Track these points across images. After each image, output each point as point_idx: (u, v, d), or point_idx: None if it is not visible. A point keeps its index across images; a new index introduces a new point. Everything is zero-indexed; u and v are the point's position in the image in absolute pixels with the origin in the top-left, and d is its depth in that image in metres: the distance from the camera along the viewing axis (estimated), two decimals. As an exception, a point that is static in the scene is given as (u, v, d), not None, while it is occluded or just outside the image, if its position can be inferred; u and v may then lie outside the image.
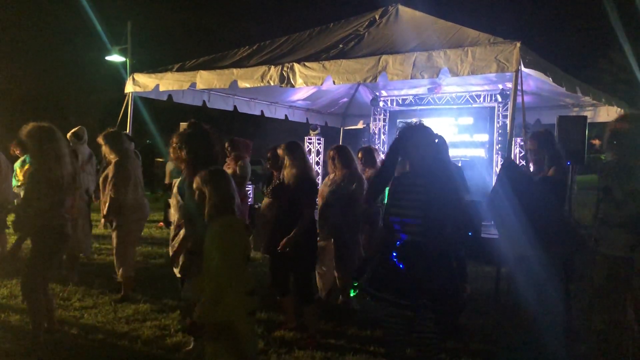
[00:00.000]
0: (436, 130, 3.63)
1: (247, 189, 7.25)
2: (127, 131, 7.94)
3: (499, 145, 10.29)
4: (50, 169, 4.16)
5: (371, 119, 12.21)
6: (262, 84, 7.15)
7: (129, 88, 8.50)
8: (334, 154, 5.46)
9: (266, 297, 4.93)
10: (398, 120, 12.09)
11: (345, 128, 13.32)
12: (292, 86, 7.01)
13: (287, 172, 4.60)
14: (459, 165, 8.70)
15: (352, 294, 5.54)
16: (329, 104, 12.31)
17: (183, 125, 9.65)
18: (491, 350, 4.36)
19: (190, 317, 3.18)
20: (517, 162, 10.31)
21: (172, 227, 4.30)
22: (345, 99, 12.36)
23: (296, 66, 6.82)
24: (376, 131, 12.13)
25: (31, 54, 28.16)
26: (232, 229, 3.01)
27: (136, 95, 8.62)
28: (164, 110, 12.55)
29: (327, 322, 4.90)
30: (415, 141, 3.34)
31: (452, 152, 9.73)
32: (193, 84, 7.84)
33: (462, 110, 10.92)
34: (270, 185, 6.01)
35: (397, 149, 3.43)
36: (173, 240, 4.18)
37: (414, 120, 3.50)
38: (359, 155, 6.26)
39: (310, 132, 12.79)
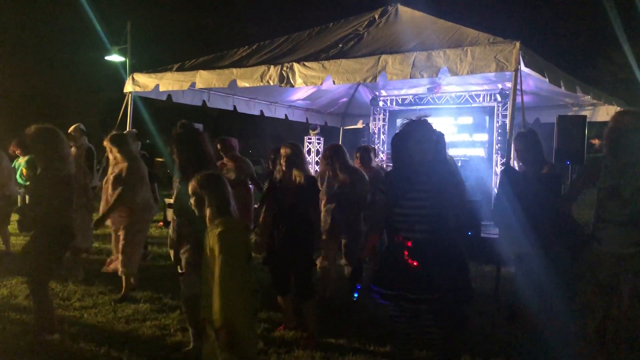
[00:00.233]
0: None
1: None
2: (129, 129, 7.94)
3: (499, 145, 10.30)
4: (57, 169, 4.29)
5: (371, 118, 12.21)
6: (261, 84, 7.15)
7: (129, 88, 8.51)
8: (331, 154, 5.50)
9: (266, 296, 4.93)
10: (397, 120, 12.12)
11: (345, 128, 13.33)
12: (292, 86, 7.01)
13: (291, 173, 4.62)
14: (459, 164, 8.72)
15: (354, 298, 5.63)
16: (328, 104, 12.32)
17: (182, 125, 9.65)
18: (492, 350, 4.36)
19: (193, 314, 3.20)
20: (517, 161, 10.33)
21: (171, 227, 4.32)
22: (344, 99, 12.36)
23: (296, 66, 6.82)
24: (376, 131, 12.13)
25: (31, 54, 28.14)
26: (234, 230, 3.01)
27: (136, 95, 8.63)
28: (163, 110, 12.56)
29: (327, 321, 4.90)
30: (416, 137, 3.34)
31: (452, 152, 9.75)
32: (193, 84, 7.84)
33: (461, 110, 10.93)
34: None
35: (399, 145, 3.43)
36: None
37: (416, 116, 3.47)
38: (357, 155, 6.31)
39: (310, 131, 12.80)
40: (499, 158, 10.21)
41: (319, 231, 4.90)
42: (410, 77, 6.29)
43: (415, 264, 3.19)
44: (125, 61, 18.99)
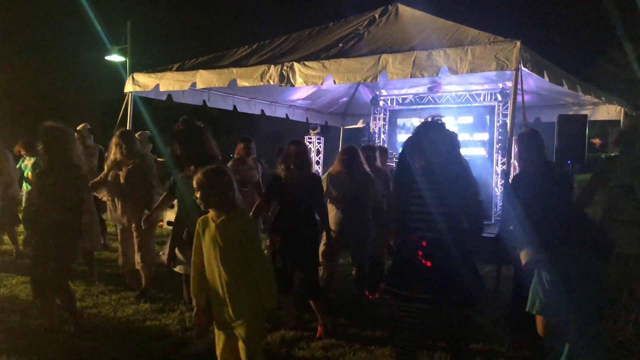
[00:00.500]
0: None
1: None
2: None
3: (499, 144, 10.30)
4: (75, 168, 4.37)
5: (371, 118, 12.21)
6: (261, 83, 7.14)
7: (129, 88, 8.49)
8: (347, 156, 5.50)
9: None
10: (398, 120, 12.12)
11: (345, 127, 13.32)
12: (292, 85, 6.99)
13: (296, 172, 4.62)
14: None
15: (373, 298, 5.65)
16: (328, 104, 12.31)
17: (183, 124, 9.64)
18: (493, 350, 4.36)
19: (204, 313, 3.25)
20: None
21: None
22: (345, 98, 12.36)
23: (296, 65, 6.81)
24: (376, 130, 12.13)
25: (31, 54, 28.18)
26: (253, 221, 3.22)
27: (136, 95, 8.62)
28: (163, 109, 12.54)
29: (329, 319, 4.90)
30: (430, 137, 3.33)
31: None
32: (193, 84, 7.83)
33: (462, 109, 10.92)
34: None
35: (413, 145, 3.41)
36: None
37: (430, 116, 3.45)
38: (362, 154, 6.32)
39: (310, 131, 12.80)
40: (499, 157, 10.21)
41: (328, 227, 4.96)
42: (411, 77, 6.28)
43: (428, 264, 3.19)
44: (126, 61, 19.00)
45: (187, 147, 4.10)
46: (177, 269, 4.33)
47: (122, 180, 5.56)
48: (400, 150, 3.64)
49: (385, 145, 10.88)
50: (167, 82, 8.07)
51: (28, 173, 7.62)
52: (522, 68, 5.73)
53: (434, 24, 7.20)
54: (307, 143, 12.56)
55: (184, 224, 4.11)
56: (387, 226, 4.03)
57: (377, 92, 11.93)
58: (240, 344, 3.09)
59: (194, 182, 3.11)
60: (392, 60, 6.24)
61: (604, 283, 2.35)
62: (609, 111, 10.04)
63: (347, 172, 5.47)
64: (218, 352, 3.20)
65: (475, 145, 10.92)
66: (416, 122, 11.87)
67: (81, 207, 4.41)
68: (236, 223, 3.04)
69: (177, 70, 8.08)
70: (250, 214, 4.71)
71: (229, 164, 6.56)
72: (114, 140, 5.68)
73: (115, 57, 19.07)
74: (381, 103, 12.01)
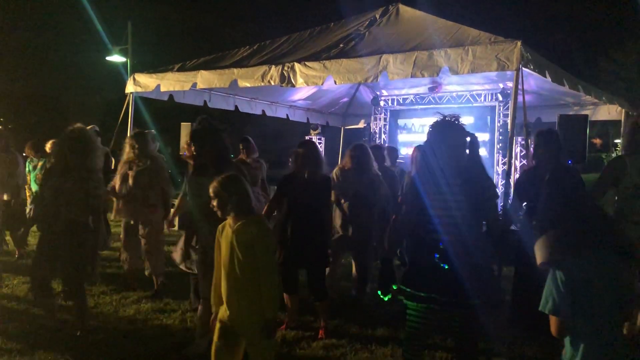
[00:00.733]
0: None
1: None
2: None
3: (500, 144, 10.29)
4: (98, 171, 4.50)
5: (372, 118, 12.22)
6: (262, 84, 7.14)
7: (130, 88, 8.50)
8: (357, 154, 5.49)
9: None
10: (398, 120, 12.11)
11: (346, 127, 13.32)
12: (293, 86, 7.00)
13: (308, 171, 4.62)
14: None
15: (386, 298, 5.65)
16: (329, 104, 12.31)
17: (184, 125, 9.71)
18: (493, 350, 4.36)
19: (207, 314, 3.27)
20: (518, 161, 10.32)
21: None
22: (345, 99, 12.35)
23: (297, 66, 6.81)
24: (377, 130, 12.13)
25: (32, 55, 28.22)
26: (269, 229, 3.17)
27: (137, 96, 8.62)
28: (164, 110, 12.57)
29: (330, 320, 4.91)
30: (450, 141, 3.31)
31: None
32: (194, 84, 7.83)
33: (462, 110, 10.88)
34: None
35: (431, 148, 3.39)
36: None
37: (447, 116, 3.42)
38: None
39: (311, 131, 12.80)
40: (500, 157, 10.21)
41: (329, 230, 4.95)
42: (412, 77, 6.28)
43: (445, 266, 3.19)
44: (126, 61, 19.01)
45: (202, 147, 4.06)
46: (186, 268, 4.34)
47: (130, 181, 5.57)
48: (416, 151, 3.63)
49: (386, 145, 10.86)
50: (168, 83, 8.08)
51: (37, 175, 7.64)
52: (523, 68, 5.73)
53: (435, 24, 7.20)
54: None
55: (196, 226, 4.11)
56: (394, 227, 4.02)
57: (378, 92, 11.94)
58: (250, 351, 3.11)
59: (210, 190, 3.13)
60: (393, 61, 6.25)
61: (625, 284, 2.29)
62: (609, 111, 10.03)
63: (356, 169, 5.47)
64: (213, 352, 3.18)
65: (476, 146, 10.89)
66: (417, 122, 11.89)
67: (100, 210, 4.49)
68: (252, 230, 3.05)
69: (178, 70, 8.09)
70: (263, 212, 4.72)
71: None
72: (127, 140, 5.71)
73: (116, 58, 19.08)
74: (382, 103, 12.02)
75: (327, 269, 5.25)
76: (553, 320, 2.29)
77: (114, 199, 5.80)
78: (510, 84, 9.10)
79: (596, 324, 2.22)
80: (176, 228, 9.36)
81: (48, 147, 8.66)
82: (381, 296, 5.72)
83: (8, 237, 7.83)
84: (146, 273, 5.80)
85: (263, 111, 11.17)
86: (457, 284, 3.14)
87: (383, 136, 12.13)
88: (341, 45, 7.24)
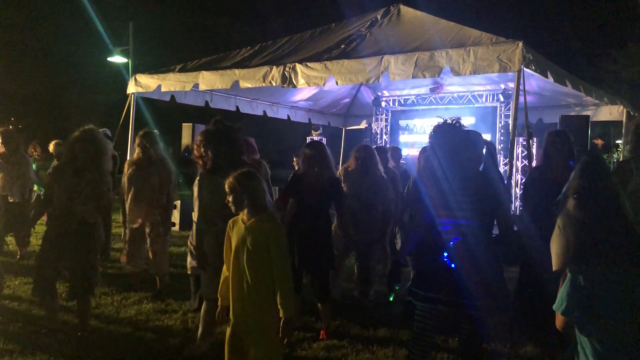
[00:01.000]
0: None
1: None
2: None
3: (502, 145, 10.29)
4: (108, 171, 4.51)
5: (373, 119, 12.22)
6: (264, 85, 7.15)
7: (131, 89, 8.51)
8: (363, 155, 5.49)
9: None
10: (400, 121, 12.11)
11: (348, 128, 13.32)
12: (294, 86, 7.00)
13: (312, 173, 4.61)
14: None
15: (390, 298, 5.64)
16: (330, 104, 12.32)
17: (185, 125, 9.70)
18: (495, 350, 4.36)
19: (211, 315, 3.25)
20: (520, 161, 10.33)
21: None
22: (347, 99, 12.36)
23: (298, 66, 6.82)
24: (378, 131, 12.14)
25: (34, 56, 28.24)
26: (283, 227, 3.17)
27: (138, 96, 8.63)
28: (166, 110, 12.58)
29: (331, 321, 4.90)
30: (439, 141, 3.31)
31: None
32: (195, 85, 7.84)
33: (464, 110, 10.91)
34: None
35: (437, 150, 3.39)
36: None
37: (449, 118, 3.42)
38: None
39: (312, 132, 12.80)
40: (501, 158, 10.20)
41: (347, 229, 4.93)
42: (413, 77, 6.29)
43: (454, 266, 3.19)
44: (128, 62, 19.02)
45: (218, 147, 4.04)
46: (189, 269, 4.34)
47: (140, 182, 5.59)
48: (420, 154, 3.62)
49: (387, 146, 10.88)
50: (170, 83, 8.09)
51: (41, 174, 7.65)
52: (525, 69, 5.73)
53: (436, 25, 7.21)
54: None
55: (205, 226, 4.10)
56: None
57: (379, 93, 11.94)
58: (254, 352, 3.08)
59: (226, 185, 3.11)
60: (394, 61, 6.25)
61: None
62: (611, 112, 10.03)
63: (360, 170, 5.46)
64: (227, 353, 3.17)
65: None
66: (418, 123, 11.89)
67: (111, 211, 4.54)
68: (266, 227, 3.05)
69: (180, 71, 8.10)
70: None
71: None
72: (137, 140, 5.71)
73: (117, 59, 19.09)
74: (383, 104, 12.02)
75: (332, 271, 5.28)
76: (562, 319, 2.21)
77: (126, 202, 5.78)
78: (511, 85, 9.08)
79: (611, 331, 2.12)
80: (177, 228, 9.39)
81: (51, 147, 8.67)
82: (391, 292, 5.71)
83: (9, 238, 7.83)
84: (151, 271, 5.78)
85: (264, 112, 11.18)
86: (464, 285, 3.14)
87: (384, 137, 12.14)
88: (342, 46, 7.25)
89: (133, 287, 5.89)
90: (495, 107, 10.53)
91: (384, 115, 12.17)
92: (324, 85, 7.00)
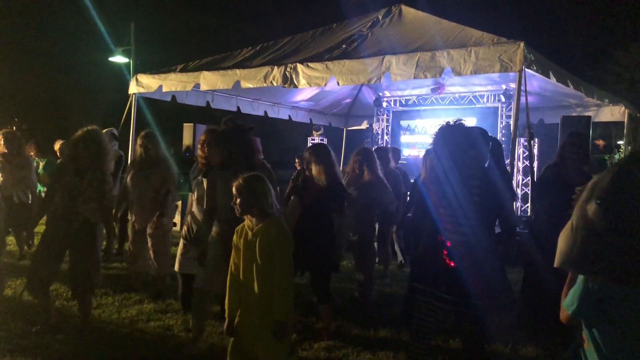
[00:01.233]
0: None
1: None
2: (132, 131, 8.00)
3: (503, 145, 10.27)
4: (108, 172, 4.49)
5: (374, 119, 12.22)
6: (265, 85, 7.15)
7: (133, 89, 8.52)
8: (361, 159, 5.48)
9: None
10: (401, 121, 12.11)
11: (349, 129, 13.32)
12: (295, 87, 7.00)
13: (315, 175, 4.60)
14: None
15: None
16: (332, 105, 12.32)
17: (187, 125, 9.70)
18: (496, 351, 4.35)
19: (202, 308, 3.24)
20: (521, 162, 10.31)
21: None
22: (348, 100, 12.36)
23: (299, 67, 6.82)
24: (379, 132, 12.13)
25: (35, 56, 28.24)
26: (288, 231, 3.13)
27: (139, 96, 8.63)
28: (167, 111, 12.60)
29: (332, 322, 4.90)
30: (441, 142, 3.31)
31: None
32: (196, 85, 7.84)
33: (465, 111, 10.91)
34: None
35: (441, 150, 3.39)
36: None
37: (452, 120, 3.43)
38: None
39: (313, 132, 12.81)
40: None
41: (341, 238, 4.80)
42: (414, 78, 6.28)
43: (452, 264, 3.19)
44: (129, 62, 19.03)
45: (230, 148, 4.02)
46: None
47: (143, 182, 5.58)
48: (428, 155, 3.62)
49: (389, 146, 10.88)
50: (171, 83, 8.10)
51: (41, 174, 7.65)
52: (526, 69, 5.72)
53: (438, 25, 7.21)
54: (310, 144, 12.57)
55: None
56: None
57: (381, 94, 11.94)
58: (261, 356, 3.09)
59: (234, 188, 3.11)
60: (396, 62, 6.25)
61: None
62: (612, 112, 10.02)
63: (359, 174, 5.46)
64: (229, 355, 3.15)
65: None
66: (420, 123, 11.89)
67: (112, 211, 4.60)
68: (272, 232, 3.04)
69: (181, 71, 8.10)
70: None
71: None
72: (138, 140, 5.71)
73: (119, 59, 19.08)
74: (384, 104, 12.02)
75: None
76: (565, 314, 2.13)
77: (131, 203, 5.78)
78: (513, 85, 9.09)
79: (621, 338, 2.02)
80: (178, 228, 9.38)
81: (57, 146, 8.67)
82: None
83: (10, 238, 7.83)
84: (153, 273, 5.79)
85: (265, 112, 11.18)
86: (462, 283, 3.15)
87: (385, 137, 12.14)
88: (344, 46, 7.25)
89: (135, 287, 5.89)
90: (497, 108, 10.53)
91: (385, 116, 12.17)
92: (325, 85, 7.00)
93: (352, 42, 7.40)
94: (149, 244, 5.69)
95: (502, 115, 10.39)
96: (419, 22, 7.69)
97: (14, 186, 6.87)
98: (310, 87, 8.67)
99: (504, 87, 10.14)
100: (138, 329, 4.73)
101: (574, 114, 9.67)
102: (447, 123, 3.40)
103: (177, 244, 5.18)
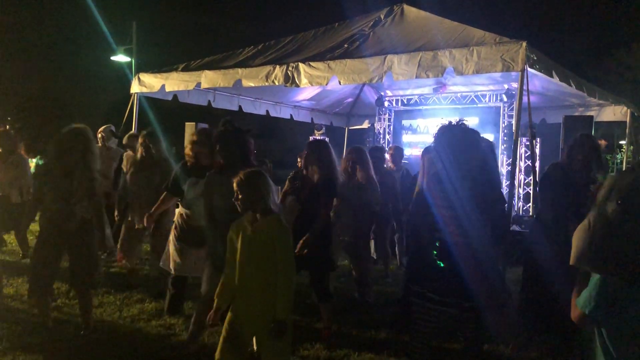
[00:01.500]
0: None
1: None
2: (133, 130, 7.98)
3: (505, 145, 10.27)
4: (96, 170, 4.46)
5: (376, 118, 12.21)
6: (266, 84, 7.14)
7: (135, 88, 8.52)
8: (353, 157, 5.48)
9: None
10: (403, 121, 12.10)
11: (351, 128, 13.31)
12: (297, 86, 6.99)
13: (310, 171, 4.60)
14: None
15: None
16: (333, 104, 12.32)
17: (188, 125, 9.71)
18: (497, 350, 4.35)
19: (206, 312, 3.24)
20: (523, 162, 10.30)
21: None
22: (350, 99, 12.35)
23: (301, 66, 6.81)
24: (381, 131, 12.13)
25: (37, 55, 28.32)
26: (285, 226, 3.12)
27: (141, 95, 8.64)
28: (168, 110, 12.61)
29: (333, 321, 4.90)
30: (444, 141, 3.31)
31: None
32: (198, 84, 7.84)
33: (467, 110, 10.90)
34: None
35: (437, 150, 3.38)
36: None
37: (453, 120, 3.43)
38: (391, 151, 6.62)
39: (315, 132, 12.80)
40: (505, 158, 10.18)
41: (318, 230, 4.61)
42: (416, 77, 6.27)
43: (442, 265, 3.19)
44: (131, 61, 19.05)
45: (227, 149, 4.02)
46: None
47: (143, 181, 5.57)
48: (426, 153, 3.61)
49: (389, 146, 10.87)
50: (173, 82, 8.09)
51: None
52: (528, 69, 5.71)
53: (440, 25, 7.19)
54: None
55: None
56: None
57: (382, 93, 11.93)
58: (264, 353, 3.09)
59: (234, 184, 3.10)
60: (398, 61, 6.23)
61: None
62: (614, 112, 10.01)
63: (349, 172, 5.46)
64: (219, 352, 3.13)
65: (481, 146, 10.88)
66: (422, 123, 11.88)
67: (103, 209, 4.56)
68: (272, 229, 3.04)
69: (183, 70, 8.10)
70: None
71: None
72: (139, 140, 5.70)
73: (120, 58, 19.12)
74: (386, 104, 12.01)
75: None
76: (579, 312, 2.10)
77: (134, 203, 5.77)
78: (515, 85, 9.08)
79: (632, 336, 2.01)
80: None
81: None
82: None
83: (11, 238, 7.84)
84: (155, 273, 5.78)
85: (267, 111, 11.18)
86: (451, 283, 3.14)
87: (387, 137, 12.13)
88: (346, 46, 7.24)
89: (133, 285, 5.89)
90: (499, 107, 10.52)
91: (387, 115, 12.16)
92: (326, 84, 6.98)
93: (354, 41, 7.38)
94: (150, 244, 5.68)
95: (504, 115, 10.37)
96: (420, 22, 7.67)
97: (10, 185, 6.88)
98: (312, 87, 8.66)
99: (506, 86, 10.13)
100: (139, 328, 4.73)
101: (577, 114, 9.66)
102: (449, 123, 3.39)
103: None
